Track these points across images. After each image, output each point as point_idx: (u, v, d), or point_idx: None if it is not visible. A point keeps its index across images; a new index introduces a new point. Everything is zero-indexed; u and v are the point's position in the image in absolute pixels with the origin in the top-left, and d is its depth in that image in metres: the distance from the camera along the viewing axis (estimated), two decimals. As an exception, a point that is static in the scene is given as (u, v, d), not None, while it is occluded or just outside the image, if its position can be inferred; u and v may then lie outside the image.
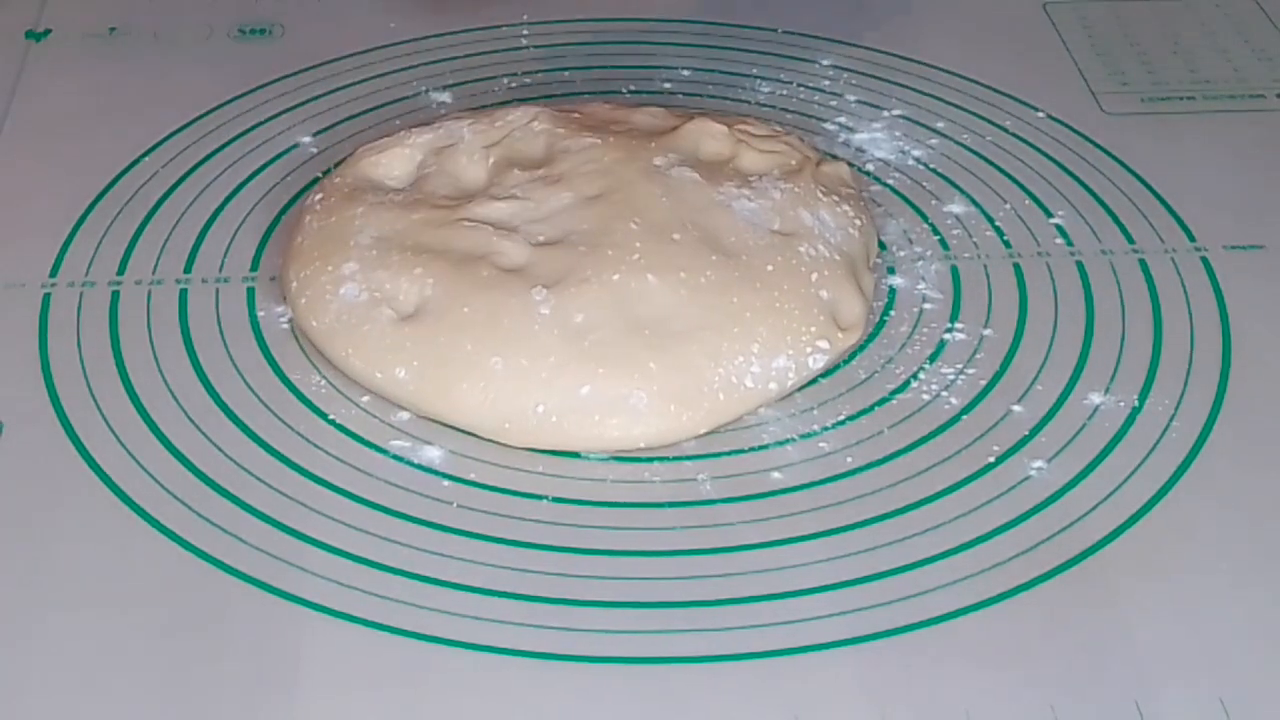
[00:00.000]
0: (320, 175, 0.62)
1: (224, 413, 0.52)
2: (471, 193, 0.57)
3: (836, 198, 0.58)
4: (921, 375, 0.54)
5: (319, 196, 0.58)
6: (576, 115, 0.60)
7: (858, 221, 0.58)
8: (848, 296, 0.55)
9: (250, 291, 0.57)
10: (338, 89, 0.67)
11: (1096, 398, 0.54)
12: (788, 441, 0.52)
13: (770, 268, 0.54)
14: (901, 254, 0.59)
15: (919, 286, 0.58)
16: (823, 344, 0.54)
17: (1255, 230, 0.61)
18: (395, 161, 0.58)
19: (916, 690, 0.44)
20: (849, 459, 0.51)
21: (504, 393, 0.51)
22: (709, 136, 0.59)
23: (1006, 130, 0.66)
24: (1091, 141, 0.65)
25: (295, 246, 0.56)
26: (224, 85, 0.67)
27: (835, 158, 0.62)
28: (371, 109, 0.66)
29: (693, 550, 0.48)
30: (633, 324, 0.52)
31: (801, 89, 0.68)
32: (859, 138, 0.65)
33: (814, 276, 0.54)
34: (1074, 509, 0.50)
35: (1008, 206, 0.62)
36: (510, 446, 0.51)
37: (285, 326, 0.56)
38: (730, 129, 0.60)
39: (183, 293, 0.57)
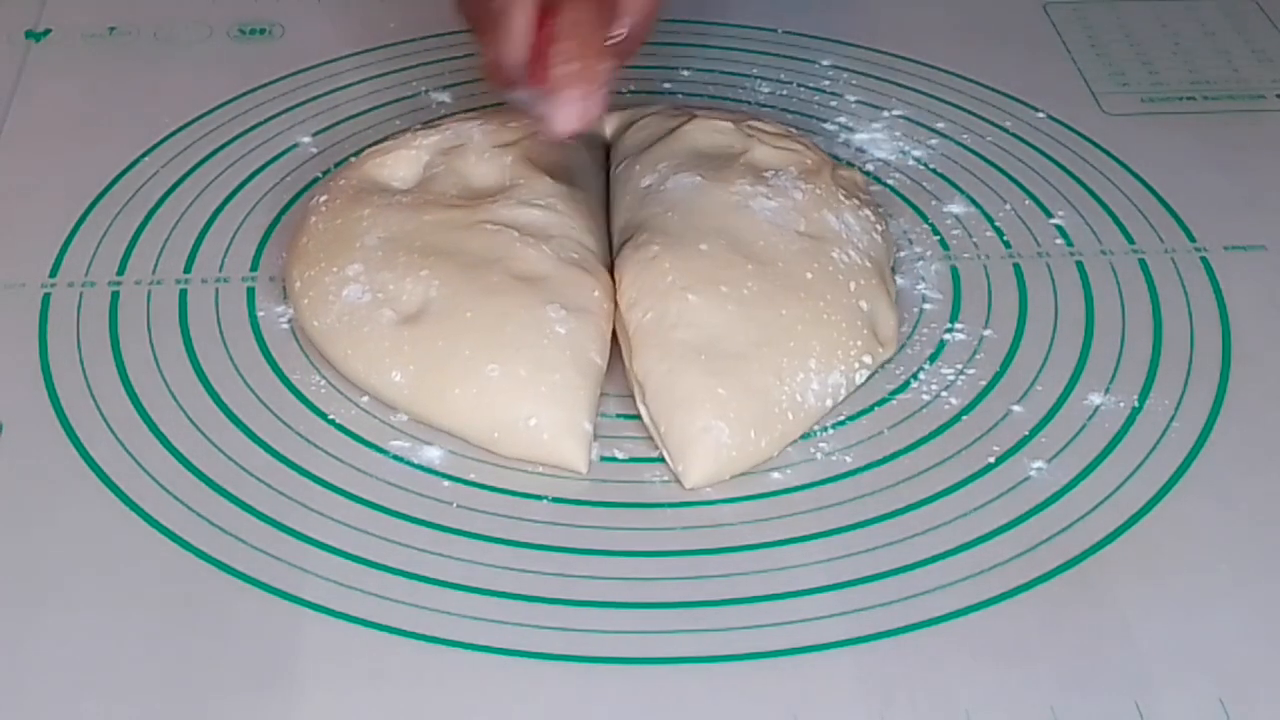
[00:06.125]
0: (320, 175, 0.62)
1: (224, 413, 0.52)
2: (483, 193, 0.56)
3: (857, 201, 0.57)
4: (921, 375, 0.54)
5: (324, 197, 0.57)
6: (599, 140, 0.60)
7: (879, 227, 0.57)
8: (883, 308, 0.54)
9: (250, 291, 0.57)
10: (338, 89, 0.67)
11: (1096, 398, 0.54)
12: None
13: (809, 275, 0.53)
14: (901, 254, 0.59)
15: (919, 286, 0.58)
16: (867, 359, 0.53)
17: (1255, 230, 0.61)
18: (401, 163, 0.58)
19: (916, 690, 0.44)
20: (849, 459, 0.51)
21: (497, 401, 0.50)
22: (712, 132, 0.58)
23: (1006, 130, 0.66)
24: (1091, 141, 0.65)
25: (300, 247, 0.56)
26: (224, 85, 0.67)
27: (850, 165, 0.62)
28: (371, 109, 0.66)
29: (693, 550, 0.48)
30: (686, 351, 0.51)
31: (801, 89, 0.68)
32: (859, 138, 0.65)
33: (852, 285, 0.53)
34: (1074, 509, 0.50)
35: (1008, 206, 0.62)
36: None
37: (285, 326, 0.56)
38: (737, 125, 0.59)
39: (182, 293, 0.57)
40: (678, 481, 0.50)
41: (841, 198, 0.56)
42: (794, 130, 0.61)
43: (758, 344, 0.51)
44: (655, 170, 0.57)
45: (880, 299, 0.54)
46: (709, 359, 0.50)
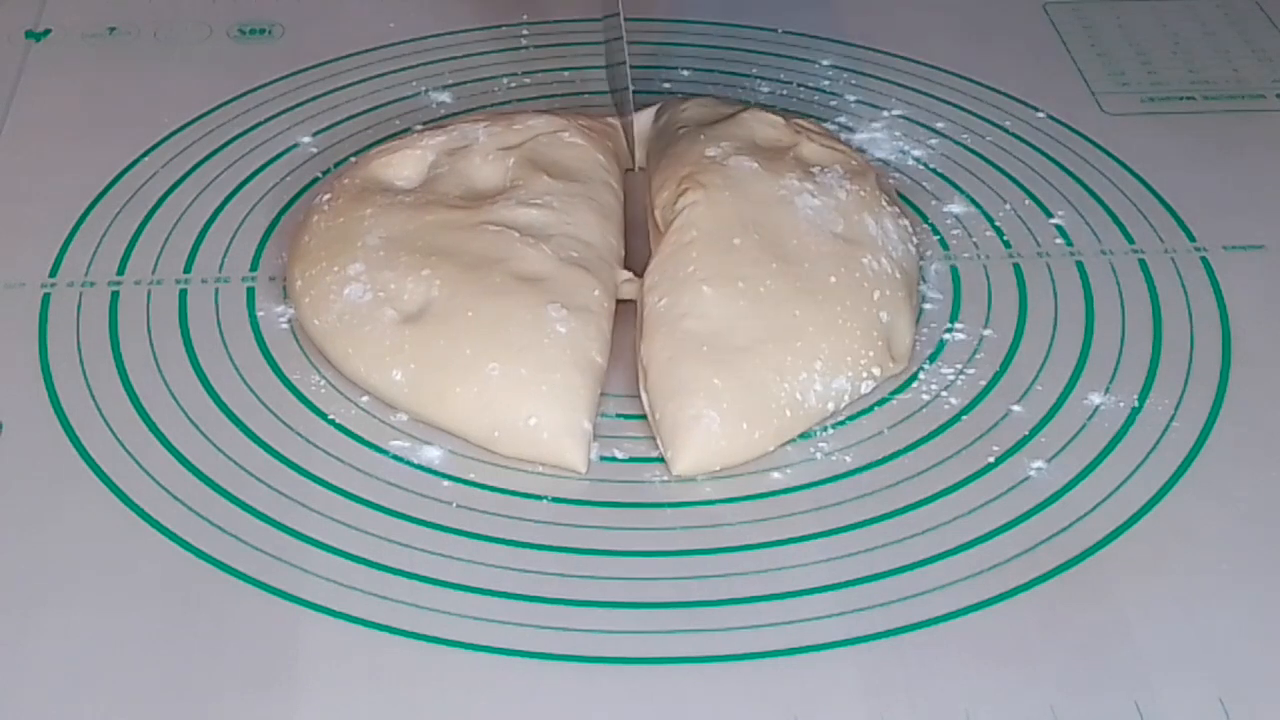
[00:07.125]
0: (320, 175, 0.62)
1: (224, 413, 0.52)
2: (485, 194, 0.56)
3: (898, 210, 0.57)
4: (921, 375, 0.54)
5: (327, 196, 0.57)
6: (609, 142, 0.60)
7: (914, 239, 0.57)
8: (902, 324, 0.54)
9: (250, 291, 0.57)
10: (338, 89, 0.67)
11: (1096, 398, 0.54)
12: (787, 441, 0.52)
13: (833, 279, 0.53)
14: (901, 254, 0.59)
15: (919, 286, 0.58)
16: (876, 370, 0.53)
17: (1255, 230, 0.61)
18: (407, 162, 0.58)
19: (916, 690, 0.44)
20: (848, 459, 0.51)
21: (497, 400, 0.50)
22: (765, 124, 0.58)
23: (1006, 130, 0.66)
24: (1091, 141, 0.65)
25: (302, 246, 0.56)
26: (224, 85, 0.67)
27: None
28: (371, 109, 0.66)
29: (693, 550, 0.48)
30: (690, 340, 0.51)
31: (801, 89, 0.68)
32: (859, 138, 0.65)
33: (876, 295, 0.53)
34: (1074, 509, 0.50)
35: (1008, 206, 0.62)
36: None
37: (285, 326, 0.56)
38: (787, 121, 0.59)
39: (182, 293, 0.57)
40: (677, 481, 0.50)
41: (884, 203, 0.57)
42: (837, 135, 0.61)
43: (762, 340, 0.51)
44: (719, 145, 0.56)
45: (902, 313, 0.54)
46: (711, 350, 0.51)
